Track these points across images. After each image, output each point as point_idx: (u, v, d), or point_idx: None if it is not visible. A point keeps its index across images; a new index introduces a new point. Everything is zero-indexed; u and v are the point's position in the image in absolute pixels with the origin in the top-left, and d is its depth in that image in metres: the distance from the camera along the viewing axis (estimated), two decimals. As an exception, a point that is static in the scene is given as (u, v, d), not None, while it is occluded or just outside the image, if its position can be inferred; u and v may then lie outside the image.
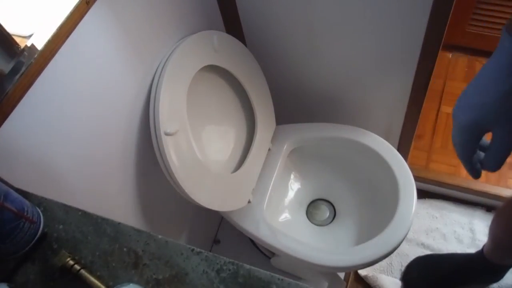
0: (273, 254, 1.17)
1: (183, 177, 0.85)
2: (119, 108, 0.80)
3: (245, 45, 1.14)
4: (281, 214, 1.18)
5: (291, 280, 0.47)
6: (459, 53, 1.74)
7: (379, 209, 1.10)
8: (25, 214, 0.52)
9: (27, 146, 0.61)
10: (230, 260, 0.49)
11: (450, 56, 1.75)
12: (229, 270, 0.48)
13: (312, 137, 1.18)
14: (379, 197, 1.12)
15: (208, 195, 0.92)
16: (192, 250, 0.50)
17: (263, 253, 1.23)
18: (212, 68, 0.97)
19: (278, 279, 0.47)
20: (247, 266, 0.49)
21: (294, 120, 1.24)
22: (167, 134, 0.82)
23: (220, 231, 1.41)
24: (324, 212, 1.19)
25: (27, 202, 0.54)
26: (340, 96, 1.23)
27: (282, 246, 0.99)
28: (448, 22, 0.88)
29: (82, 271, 0.49)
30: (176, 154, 0.84)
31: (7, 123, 0.56)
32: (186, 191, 0.85)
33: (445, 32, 0.91)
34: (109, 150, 0.80)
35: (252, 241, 1.23)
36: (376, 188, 1.14)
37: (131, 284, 0.42)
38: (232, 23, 1.11)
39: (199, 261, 0.49)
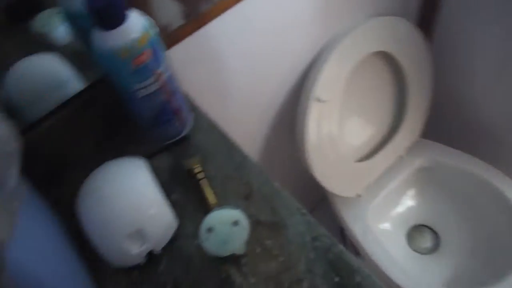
0: (358, 255, 1.15)
1: (312, 142, 0.87)
2: (284, 61, 0.85)
3: (431, 45, 1.08)
4: (382, 222, 1.14)
5: (377, 280, 0.46)
6: None
7: (495, 259, 1.00)
8: (180, 113, 0.59)
9: (210, 56, 0.70)
10: (328, 234, 0.50)
11: None
12: (324, 242, 0.50)
13: (452, 165, 1.10)
14: (497, 247, 1.01)
15: (324, 169, 0.93)
16: (299, 208, 0.52)
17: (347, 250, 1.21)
18: (384, 56, 0.95)
19: (365, 273, 0.47)
20: (341, 247, 0.49)
21: (441, 140, 1.16)
22: (318, 99, 0.84)
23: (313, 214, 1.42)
24: (426, 240, 1.11)
25: (185, 104, 0.61)
26: None
27: (371, 251, 0.97)
28: None
29: (204, 180, 0.55)
30: (317, 120, 0.86)
31: (201, 31, 0.65)
32: (308, 155, 0.88)
33: None
34: (264, 90, 0.86)
35: (341, 234, 1.22)
36: (496, 239, 1.03)
37: (239, 210, 0.46)
38: (425, 19, 1.05)
39: (301, 221, 0.51)
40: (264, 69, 0.83)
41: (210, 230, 0.43)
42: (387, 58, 0.96)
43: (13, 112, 0.52)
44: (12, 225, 0.30)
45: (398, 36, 0.92)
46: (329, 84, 0.85)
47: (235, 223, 0.43)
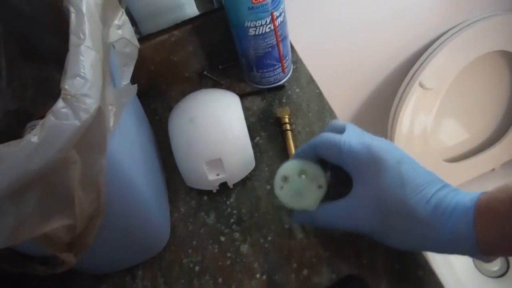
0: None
1: (403, 131, 0.83)
2: (396, 40, 0.79)
3: None
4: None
5: (440, 280, 0.44)
6: None
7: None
8: (284, 62, 0.59)
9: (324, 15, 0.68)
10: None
11: None
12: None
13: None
14: None
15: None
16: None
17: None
18: (504, 56, 0.86)
19: (430, 270, 0.45)
20: (411, 238, 0.47)
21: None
22: (421, 85, 0.79)
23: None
24: (495, 263, 1.03)
25: (290, 54, 0.60)
26: None
27: (432, 257, 0.92)
28: None
29: (289, 132, 0.55)
30: (414, 106, 0.81)
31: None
32: (395, 142, 0.84)
33: None
34: (367, 64, 0.82)
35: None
36: None
37: (319, 167, 0.42)
38: None
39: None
40: (373, 42, 0.79)
41: (286, 179, 0.42)
42: (507, 59, 0.86)
43: (131, 22, 0.55)
44: (118, 117, 0.32)
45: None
46: (437, 73, 0.79)
47: (313, 179, 0.42)
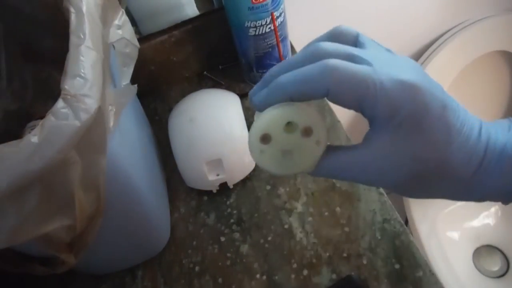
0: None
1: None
2: (396, 37, 0.80)
3: None
4: (451, 231, 1.07)
5: (439, 280, 0.44)
6: None
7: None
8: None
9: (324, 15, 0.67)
10: (401, 221, 0.48)
11: None
12: (394, 227, 0.48)
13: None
14: None
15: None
16: (377, 188, 0.51)
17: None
18: (506, 57, 0.86)
19: (430, 271, 0.45)
20: (411, 238, 0.47)
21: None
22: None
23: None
24: (494, 263, 1.03)
25: (290, 54, 0.60)
26: None
27: (432, 256, 0.92)
28: None
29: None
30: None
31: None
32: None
33: None
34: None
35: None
36: None
37: (313, 111, 0.28)
38: None
39: (376, 199, 0.50)
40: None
41: (267, 138, 0.28)
42: (507, 59, 0.86)
43: (131, 22, 0.55)
44: (118, 117, 0.32)
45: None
46: (437, 73, 0.79)
47: (306, 131, 0.27)
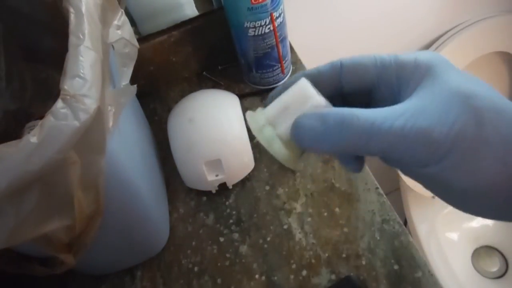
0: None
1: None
2: (394, 40, 0.80)
3: None
4: (451, 231, 1.08)
5: (438, 280, 0.44)
6: None
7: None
8: (283, 62, 0.59)
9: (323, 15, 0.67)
10: (401, 221, 0.48)
11: None
12: (393, 228, 0.48)
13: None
14: None
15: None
16: (377, 188, 0.51)
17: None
18: (505, 58, 0.86)
19: (429, 272, 0.45)
20: (410, 239, 0.47)
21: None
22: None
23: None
24: (493, 264, 1.04)
25: (289, 55, 0.60)
26: None
27: (431, 256, 0.92)
28: None
29: (289, 133, 0.55)
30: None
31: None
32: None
33: None
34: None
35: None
36: None
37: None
38: None
39: (375, 200, 0.50)
40: (373, 43, 0.79)
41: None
42: (507, 60, 0.86)
43: (131, 22, 0.55)
44: (117, 117, 0.32)
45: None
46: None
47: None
